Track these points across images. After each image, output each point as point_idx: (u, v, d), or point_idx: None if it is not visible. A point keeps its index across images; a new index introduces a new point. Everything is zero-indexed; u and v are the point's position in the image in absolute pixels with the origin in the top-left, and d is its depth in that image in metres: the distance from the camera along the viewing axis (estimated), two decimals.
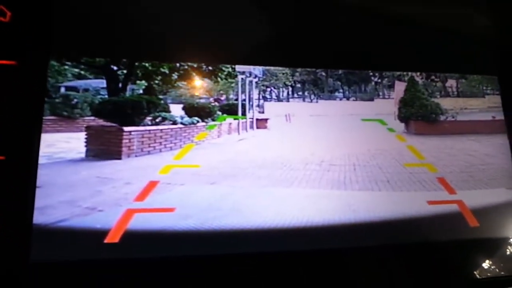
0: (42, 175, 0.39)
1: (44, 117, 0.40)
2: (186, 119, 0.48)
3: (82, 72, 0.43)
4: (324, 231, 0.43)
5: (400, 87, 0.52)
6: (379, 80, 0.51)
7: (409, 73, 0.52)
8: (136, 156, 0.44)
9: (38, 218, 0.38)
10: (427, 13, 0.51)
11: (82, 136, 0.43)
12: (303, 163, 0.46)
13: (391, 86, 0.52)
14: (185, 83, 0.47)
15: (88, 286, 0.37)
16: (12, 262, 0.36)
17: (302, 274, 0.41)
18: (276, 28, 0.47)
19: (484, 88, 0.54)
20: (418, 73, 0.52)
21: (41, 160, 0.39)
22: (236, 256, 0.40)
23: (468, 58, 0.53)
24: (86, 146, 0.42)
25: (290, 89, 0.51)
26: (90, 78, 0.44)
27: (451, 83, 0.54)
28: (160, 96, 0.47)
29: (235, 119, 0.50)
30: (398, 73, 0.52)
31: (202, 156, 0.45)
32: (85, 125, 0.43)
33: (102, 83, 0.44)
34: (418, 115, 0.52)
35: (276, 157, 0.46)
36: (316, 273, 0.42)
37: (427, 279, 0.44)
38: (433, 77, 0.52)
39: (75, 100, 0.43)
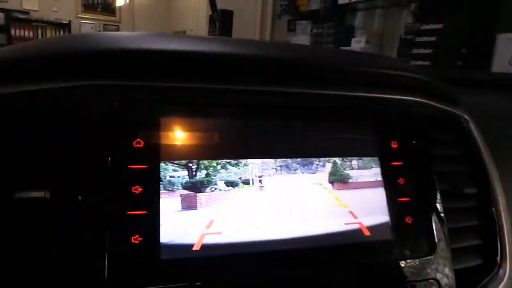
0: None
1: None
2: None
3: None
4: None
5: (329, 164, 0.95)
6: (318, 163, 0.95)
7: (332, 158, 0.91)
8: None
9: None
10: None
11: None
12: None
13: (324, 165, 0.93)
14: None
15: None
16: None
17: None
18: None
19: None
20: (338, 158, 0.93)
21: None
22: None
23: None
24: None
25: None
26: None
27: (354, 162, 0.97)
28: None
29: None
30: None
31: None
32: None
33: None
34: (338, 180, 0.90)
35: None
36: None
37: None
38: (345, 159, 0.96)
39: None
